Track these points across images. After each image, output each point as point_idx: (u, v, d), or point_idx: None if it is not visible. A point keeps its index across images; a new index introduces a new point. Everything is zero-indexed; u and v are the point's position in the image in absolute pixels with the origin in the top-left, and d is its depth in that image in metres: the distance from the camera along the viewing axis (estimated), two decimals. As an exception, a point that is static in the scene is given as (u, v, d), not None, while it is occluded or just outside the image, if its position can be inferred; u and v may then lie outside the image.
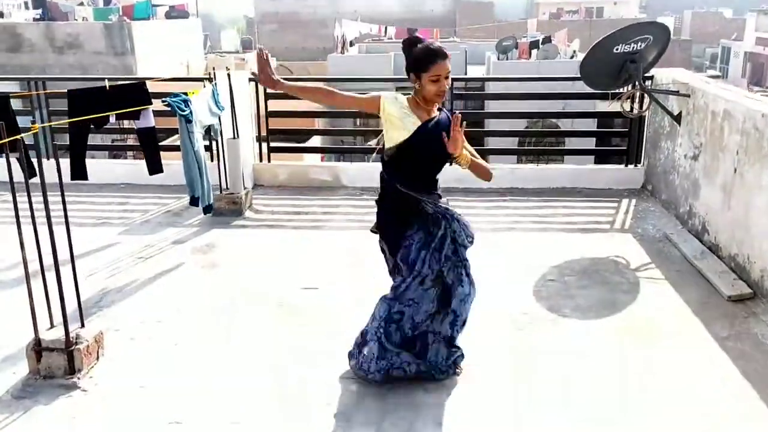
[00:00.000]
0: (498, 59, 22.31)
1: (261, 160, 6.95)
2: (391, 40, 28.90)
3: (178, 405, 3.13)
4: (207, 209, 5.15)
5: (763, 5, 46.55)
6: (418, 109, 3.03)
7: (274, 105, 6.92)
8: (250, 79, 6.69)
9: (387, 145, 3.08)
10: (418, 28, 25.40)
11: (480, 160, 3.11)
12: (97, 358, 3.48)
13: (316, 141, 14.23)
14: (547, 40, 23.68)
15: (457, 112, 3.15)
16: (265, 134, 6.89)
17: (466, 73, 22.76)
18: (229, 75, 5.75)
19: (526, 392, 3.23)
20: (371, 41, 31.41)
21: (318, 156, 12.41)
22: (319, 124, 16.50)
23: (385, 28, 27.69)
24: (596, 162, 8.63)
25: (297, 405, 3.16)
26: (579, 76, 5.78)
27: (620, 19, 53.27)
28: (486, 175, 3.14)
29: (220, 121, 5.64)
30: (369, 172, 6.99)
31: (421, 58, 2.96)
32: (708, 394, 3.22)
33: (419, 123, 3.00)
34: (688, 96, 5.40)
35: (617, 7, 56.63)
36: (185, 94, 4.91)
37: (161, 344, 3.72)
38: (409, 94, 3.09)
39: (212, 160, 6.08)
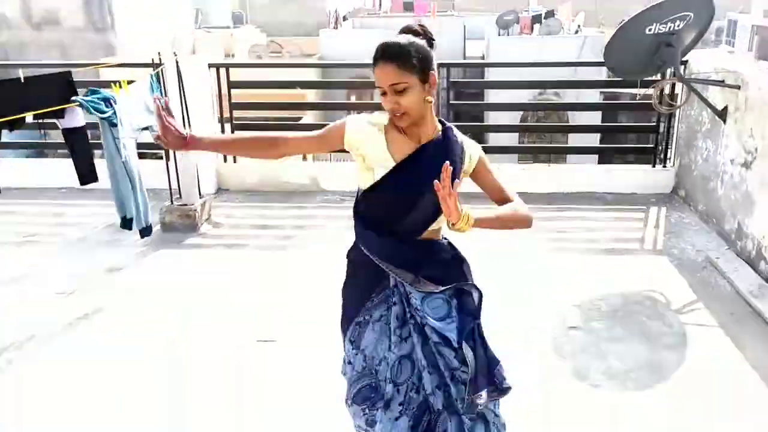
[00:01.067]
0: (498, 35, 21.11)
1: (226, 160, 5.94)
2: (386, 14, 27.62)
3: None
4: (144, 231, 4.15)
5: (771, -24, 45.09)
6: (399, 135, 1.97)
7: (242, 95, 5.91)
8: (211, 65, 5.65)
9: (359, 186, 2.05)
10: (414, 1, 24.22)
11: (507, 209, 1.99)
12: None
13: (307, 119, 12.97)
14: (550, 14, 22.44)
15: (454, 148, 1.99)
16: (230, 129, 5.87)
17: (464, 50, 21.62)
18: (177, 62, 4.71)
19: None
20: (367, 15, 30.09)
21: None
22: (308, 97, 15.42)
23: (380, 2, 26.40)
24: (600, 162, 7.60)
25: None
26: (602, 61, 4.78)
27: (624, -8, 51.86)
28: (522, 224, 2.02)
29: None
30: (350, 175, 6.00)
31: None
32: None
33: (392, 162, 1.95)
34: (738, 87, 4.39)
35: (620, -21, 55.04)
36: (114, 85, 3.88)
37: (78, 415, 2.76)
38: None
39: (168, 162, 5.06)
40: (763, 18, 40.49)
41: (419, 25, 1.97)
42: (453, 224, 1.75)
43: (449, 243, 2.13)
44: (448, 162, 1.68)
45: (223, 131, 5.84)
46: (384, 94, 1.90)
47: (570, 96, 12.44)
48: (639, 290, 3.99)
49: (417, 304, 1.99)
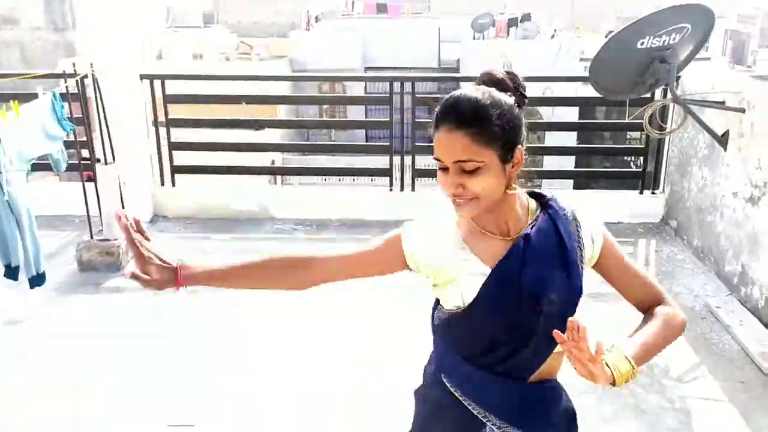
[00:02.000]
0: (474, 38, 20.62)
1: (163, 183, 5.23)
2: (360, 15, 26.91)
3: None
4: (35, 281, 3.41)
5: (744, -18, 45.45)
6: (479, 233, 1.36)
7: (179, 111, 5.22)
8: (143, 77, 4.96)
9: (441, 306, 1.44)
10: (387, 3, 23.67)
11: (658, 330, 1.41)
12: None
13: (255, 159, 10.73)
14: (527, 17, 21.99)
15: (549, 211, 1.39)
16: (167, 150, 5.16)
17: (439, 53, 21.11)
18: (93, 73, 4.02)
19: None
20: (340, 17, 29.34)
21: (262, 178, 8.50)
22: (280, 112, 14.67)
23: (353, 3, 25.77)
24: (575, 187, 7.04)
25: None
26: (586, 76, 4.20)
27: (600, -5, 51.88)
28: (675, 336, 1.45)
29: (87, 136, 3.94)
30: (304, 200, 5.35)
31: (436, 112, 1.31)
32: None
33: (487, 268, 1.34)
34: (743, 111, 3.83)
35: (596, -17, 55.15)
36: (2, 108, 3.18)
37: None
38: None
39: (86, 189, 4.35)
40: (736, 23, 40.81)
41: (507, 72, 1.33)
42: (612, 384, 1.18)
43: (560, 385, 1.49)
44: (576, 325, 1.13)
45: (159, 152, 5.14)
46: (444, 169, 1.28)
47: (545, 113, 11.77)
48: (631, 349, 3.40)
49: None
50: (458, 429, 1.42)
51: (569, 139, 8.25)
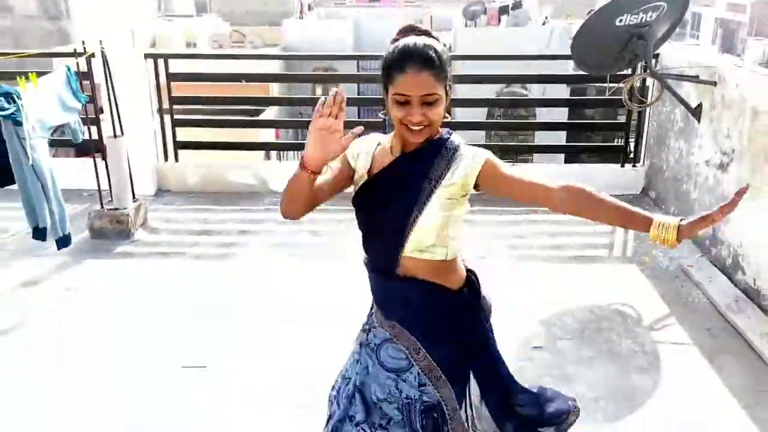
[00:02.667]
0: (465, 26, 20.79)
1: (166, 158, 5.47)
2: (352, 4, 27.05)
3: None
4: (61, 242, 3.68)
5: (735, -29, 45.60)
6: (392, 152, 1.69)
7: (183, 89, 5.45)
8: (147, 56, 5.18)
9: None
10: (380, -8, 23.79)
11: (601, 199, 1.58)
12: None
13: (255, 135, 11.30)
14: (518, 5, 22.17)
15: (454, 153, 1.66)
16: (170, 125, 5.39)
17: (431, 41, 21.24)
18: (103, 51, 4.24)
19: None
20: (333, 5, 29.47)
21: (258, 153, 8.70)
22: (272, 91, 14.83)
23: (346, -9, 25.87)
24: (566, 161, 7.31)
25: None
26: (569, 54, 4.45)
27: (591, -16, 52.03)
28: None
29: (95, 112, 4.16)
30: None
31: (389, 60, 1.60)
32: None
33: (391, 156, 1.69)
34: (714, 84, 4.09)
35: (588, -28, 55.26)
36: (19, 78, 3.41)
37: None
38: None
39: (97, 161, 4.58)
40: (726, 11, 40.96)
41: (419, 27, 1.64)
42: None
43: (468, 289, 1.79)
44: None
45: (162, 128, 5.37)
46: (405, 103, 1.56)
47: (537, 91, 12.18)
48: (608, 303, 3.68)
49: (374, 342, 1.75)
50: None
51: (561, 116, 8.61)
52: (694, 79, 4.26)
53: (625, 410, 2.81)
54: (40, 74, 3.75)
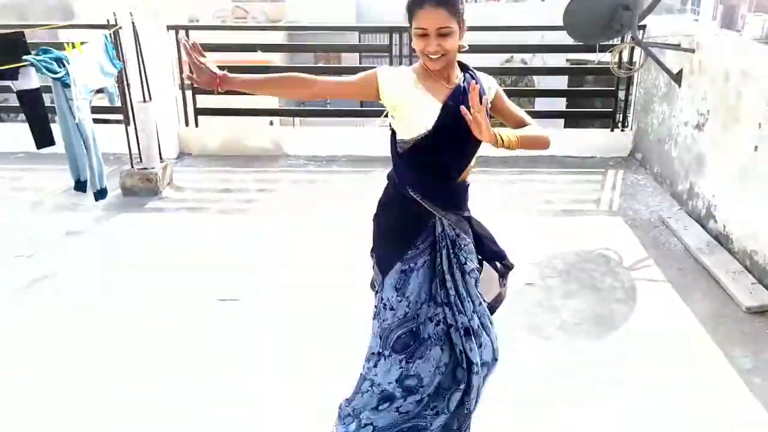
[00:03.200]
0: (466, 1, 20.96)
1: (187, 123, 5.87)
2: (354, -20, 27.11)
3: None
4: (99, 194, 4.10)
5: (737, -54, 45.40)
6: (431, 80, 2.04)
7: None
8: (170, 27, 5.55)
9: (400, 136, 2.10)
10: (382, -33, 23.84)
11: (528, 131, 2.10)
12: None
13: (266, 101, 12.40)
14: (518, -19, 22.33)
15: (476, 78, 2.11)
16: (191, 93, 5.79)
17: (432, 17, 21.44)
18: (133, 22, 4.62)
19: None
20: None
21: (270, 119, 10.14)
22: (276, 61, 15.19)
23: (347, -34, 25.91)
24: (565, 126, 7.69)
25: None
26: (561, 25, 4.82)
27: (592, -40, 51.75)
28: (544, 145, 2.14)
29: (124, 80, 4.55)
30: (315, 139, 6.00)
31: (408, 1, 1.98)
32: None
33: (438, 104, 2.02)
34: (693, 51, 4.48)
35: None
36: (66, 45, 3.80)
37: (25, 377, 2.77)
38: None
39: (128, 125, 4.98)
40: (727, -13, 40.96)
41: None
42: (494, 143, 1.91)
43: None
44: (474, 82, 1.91)
45: (183, 96, 5.77)
46: (424, 35, 1.94)
47: (537, 61, 12.59)
48: (593, 248, 4.11)
49: (462, 241, 2.17)
50: (418, 220, 2.15)
51: (562, 83, 9.20)
52: (676, 47, 4.64)
53: (603, 332, 3.25)
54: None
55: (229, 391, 2.77)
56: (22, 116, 8.99)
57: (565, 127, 7.36)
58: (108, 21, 4.59)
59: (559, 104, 9.85)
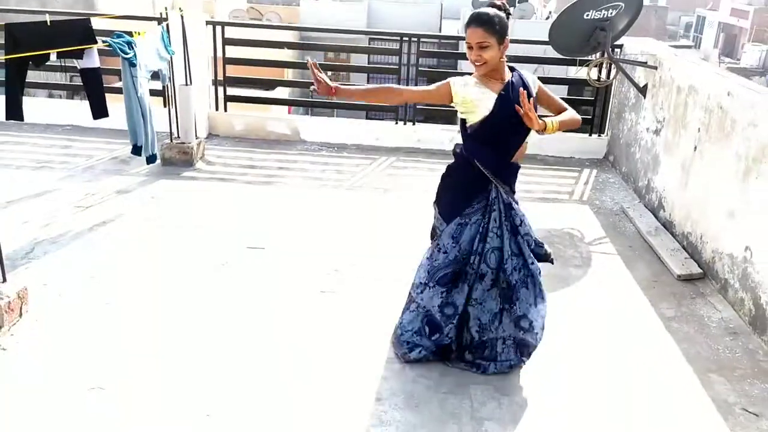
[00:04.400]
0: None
1: (217, 108, 6.66)
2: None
3: (101, 370, 2.98)
4: (150, 159, 4.90)
5: (741, -24, 46.45)
6: (487, 81, 2.83)
7: (234, 52, 6.61)
8: (208, 23, 6.36)
9: (469, 123, 2.89)
10: (394, -22, 24.70)
11: (565, 116, 2.91)
12: (20, 315, 3.29)
13: (283, 93, 13.78)
14: (524, -1, 23.24)
15: (525, 81, 2.87)
16: (222, 82, 6.58)
17: (440, 29, 22.32)
18: (182, 16, 5.41)
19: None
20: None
21: (284, 109, 11.63)
22: (288, 75, 16.09)
23: (361, -25, 26.80)
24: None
25: (229, 362, 3.04)
26: (546, 40, 5.61)
27: (600, -18, 52.65)
28: (576, 124, 2.96)
29: (170, 65, 5.33)
30: (330, 128, 6.78)
31: (467, 20, 2.78)
32: (646, 376, 3.19)
33: (494, 95, 2.80)
34: (656, 68, 5.28)
35: (598, -31, 55.93)
36: (130, 34, 4.59)
37: (91, 303, 3.53)
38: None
39: (164, 106, 5.79)
40: (729, 16, 41.95)
41: (501, 4, 2.83)
42: (542, 130, 2.69)
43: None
44: (522, 88, 2.65)
45: (215, 84, 6.56)
46: (470, 47, 2.73)
47: (540, 72, 13.51)
48: (561, 228, 4.89)
49: (516, 209, 2.93)
50: (470, 189, 2.93)
51: (561, 92, 10.22)
52: (643, 64, 5.44)
53: (560, 287, 4.03)
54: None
55: (258, 324, 3.55)
56: (68, 93, 9.88)
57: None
58: (160, 14, 5.39)
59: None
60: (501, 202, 2.91)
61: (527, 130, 2.85)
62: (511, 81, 2.83)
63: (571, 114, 2.94)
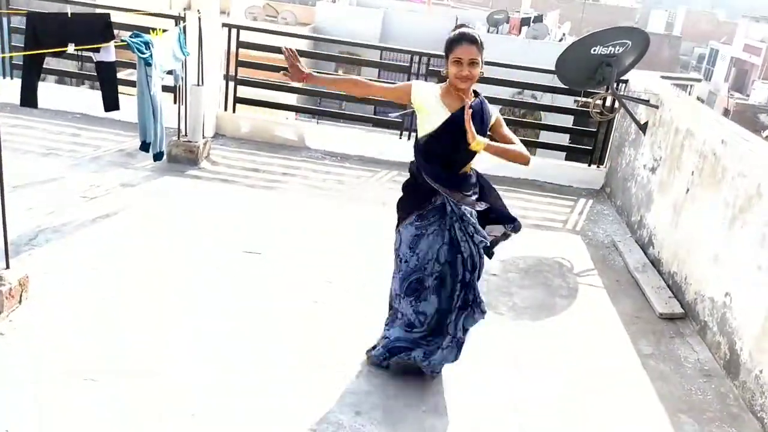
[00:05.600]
0: (488, 31, 22.02)
1: (226, 109, 6.77)
2: (383, -5, 28.22)
3: (94, 361, 3.09)
4: (157, 156, 5.01)
5: (755, 12, 46.75)
6: (450, 97, 2.95)
7: (247, 55, 6.72)
8: (224, 25, 6.48)
9: (419, 134, 3.04)
10: (412, -13, 24.86)
11: (507, 145, 2.98)
12: (20, 302, 3.40)
13: (291, 99, 13.75)
14: (539, 19, 23.42)
15: (484, 108, 3.00)
16: (233, 83, 6.70)
17: (453, 41, 22.41)
18: (199, 18, 5.53)
19: (444, 393, 3.27)
20: (364, -8, 30.63)
21: (291, 114, 11.74)
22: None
23: (379, -18, 26.95)
24: (567, 158, 8.57)
25: (217, 365, 3.14)
26: (554, 70, 5.74)
27: (615, 6, 53.10)
28: (518, 158, 3.00)
29: (183, 66, 5.45)
30: (334, 137, 6.90)
31: (449, 40, 2.91)
32: (617, 411, 3.30)
33: (448, 114, 2.93)
34: (657, 107, 5.40)
35: (614, -6, 56.39)
36: (149, 33, 4.70)
37: (90, 295, 3.64)
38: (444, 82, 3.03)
39: (174, 103, 5.90)
40: (742, 51, 42.21)
41: (467, 25, 3.02)
42: (469, 144, 2.77)
43: (477, 173, 3.16)
44: (469, 102, 2.78)
45: (227, 85, 6.68)
46: (459, 63, 2.85)
47: (547, 98, 13.64)
48: (552, 257, 5.00)
49: (468, 218, 3.00)
50: (426, 195, 3.05)
51: (568, 121, 10.47)
52: (645, 102, 5.56)
53: (544, 316, 4.14)
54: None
55: (251, 325, 3.66)
56: (80, 82, 10.00)
57: (566, 159, 8.07)
58: (179, 14, 5.51)
59: (562, 137, 11.02)
60: (455, 214, 3.03)
61: (469, 151, 2.91)
62: (473, 103, 2.93)
63: (515, 147, 2.99)
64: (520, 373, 3.49)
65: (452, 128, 2.91)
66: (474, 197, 3.07)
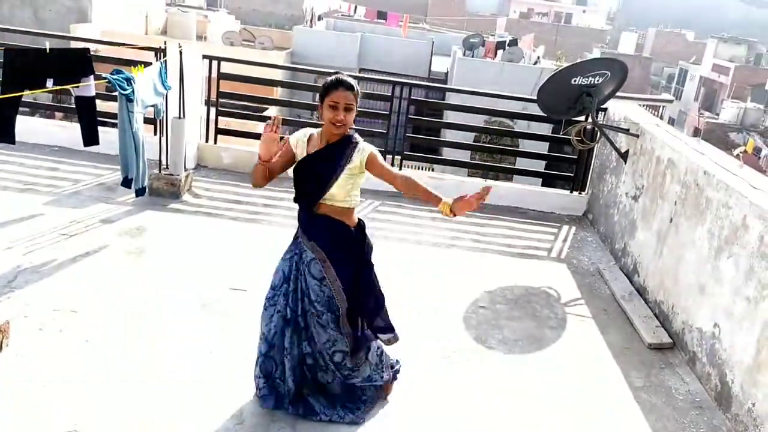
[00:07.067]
0: (464, 55, 22.28)
1: (207, 140, 6.72)
2: (360, 19, 28.51)
3: (78, 410, 2.99)
4: (140, 192, 4.93)
5: (723, 32, 48.02)
6: (317, 141, 2.98)
7: (228, 86, 6.69)
8: (205, 56, 6.45)
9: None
10: (387, 11, 25.13)
11: (420, 185, 2.91)
12: (1, 349, 3.29)
13: (272, 112, 13.89)
14: (514, 42, 23.77)
15: (347, 147, 2.96)
16: (214, 114, 6.65)
17: (430, 64, 22.69)
18: (181, 52, 5.50)
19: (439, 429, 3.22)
20: (340, 16, 30.92)
21: None
22: (276, 93, 16.23)
23: (355, 6, 27.26)
24: (543, 184, 8.65)
25: (208, 416, 3.06)
26: (534, 98, 5.79)
27: (587, 29, 54.18)
28: (419, 191, 2.93)
29: (165, 100, 5.40)
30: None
31: (325, 84, 2.92)
32: (615, 447, 3.28)
33: (304, 154, 2.99)
34: (637, 136, 5.47)
35: (586, 16, 57.57)
36: (130, 68, 4.66)
37: (71, 339, 3.54)
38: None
39: (155, 134, 5.83)
40: (711, 71, 43.24)
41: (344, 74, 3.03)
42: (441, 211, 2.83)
43: (358, 228, 3.11)
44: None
45: (208, 115, 6.64)
46: (335, 108, 2.85)
47: (522, 124, 13.73)
48: (538, 286, 5.00)
49: (306, 260, 3.03)
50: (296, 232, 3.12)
51: (543, 147, 10.39)
52: (625, 131, 5.63)
53: (535, 349, 4.12)
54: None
55: (236, 357, 3.59)
56: (57, 114, 9.83)
57: (542, 185, 8.22)
58: (159, 47, 5.47)
59: (539, 164, 10.92)
60: (304, 258, 3.05)
61: (321, 188, 2.94)
62: (331, 144, 2.94)
63: (417, 182, 2.94)
64: (513, 408, 3.46)
65: (303, 168, 2.99)
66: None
